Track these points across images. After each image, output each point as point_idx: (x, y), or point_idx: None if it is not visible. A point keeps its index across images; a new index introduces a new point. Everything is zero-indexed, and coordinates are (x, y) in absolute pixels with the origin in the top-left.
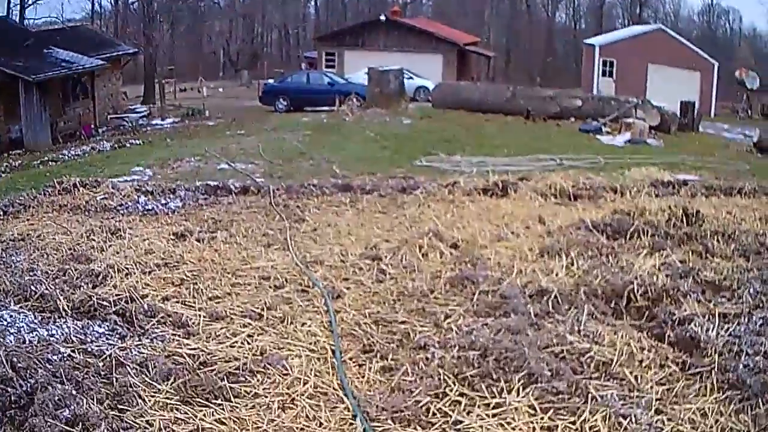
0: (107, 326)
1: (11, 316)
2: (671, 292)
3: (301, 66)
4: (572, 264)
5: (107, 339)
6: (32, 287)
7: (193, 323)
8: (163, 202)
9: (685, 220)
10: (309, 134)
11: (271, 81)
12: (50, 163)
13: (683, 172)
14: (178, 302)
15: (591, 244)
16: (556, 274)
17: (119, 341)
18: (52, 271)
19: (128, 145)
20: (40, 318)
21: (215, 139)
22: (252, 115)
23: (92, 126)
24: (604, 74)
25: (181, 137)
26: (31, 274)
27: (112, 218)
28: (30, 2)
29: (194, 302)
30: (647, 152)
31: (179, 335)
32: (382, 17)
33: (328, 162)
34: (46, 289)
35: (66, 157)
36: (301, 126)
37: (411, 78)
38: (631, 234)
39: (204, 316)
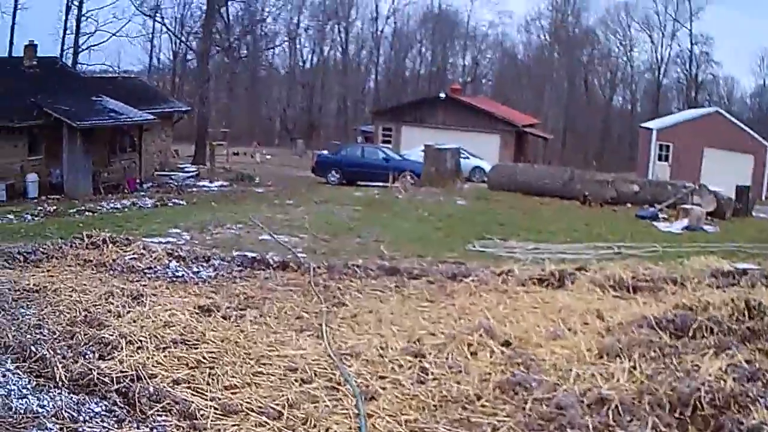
0: (105, 405)
1: (4, 376)
2: (739, 398)
3: (357, 139)
4: (635, 368)
5: (102, 421)
6: (33, 347)
7: (202, 415)
8: (195, 269)
9: (747, 314)
10: (359, 210)
11: (325, 152)
12: (86, 213)
13: (741, 260)
14: (189, 388)
15: (654, 344)
16: (617, 380)
17: (115, 425)
18: (60, 331)
19: (170, 204)
20: (34, 384)
21: (261, 207)
22: (303, 185)
23: (137, 180)
24: (660, 158)
25: (227, 202)
26: (36, 331)
27: (137, 281)
28: (84, 47)
29: (207, 390)
30: (704, 239)
31: (183, 428)
32: (442, 95)
33: (376, 241)
34: (48, 351)
35: (104, 209)
36: (352, 201)
37: (467, 157)
38: (694, 331)
39: (216, 408)
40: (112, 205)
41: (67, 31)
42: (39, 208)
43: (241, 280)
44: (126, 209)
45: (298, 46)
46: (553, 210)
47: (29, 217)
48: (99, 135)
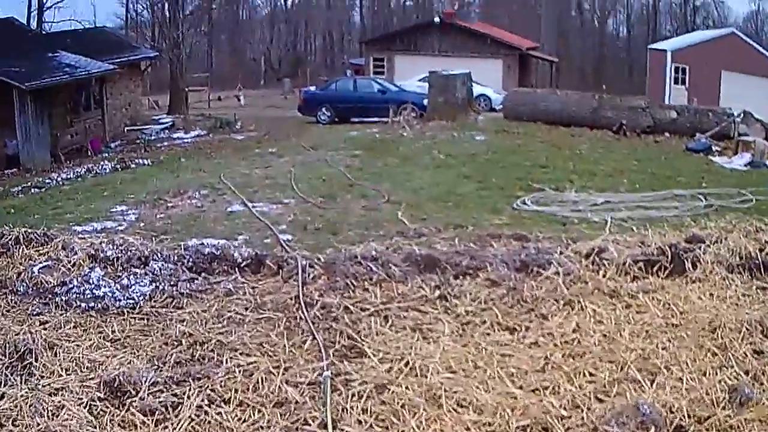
0: None
1: None
2: None
3: (347, 73)
4: None
5: None
6: None
7: None
8: (125, 282)
9: None
10: (358, 155)
11: (312, 88)
12: (33, 189)
13: None
14: None
15: None
16: None
17: None
18: None
19: (133, 165)
20: None
21: (238, 160)
22: (289, 128)
23: (102, 140)
24: (676, 81)
25: (199, 156)
26: None
27: (35, 316)
28: (48, 4)
29: None
30: None
31: None
32: (437, 19)
33: (388, 202)
34: None
35: (53, 181)
36: (348, 143)
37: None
38: None
39: None
40: (65, 175)
41: None
42: None
43: (189, 300)
44: (79, 179)
45: None
46: (589, 143)
47: None
48: (56, 95)
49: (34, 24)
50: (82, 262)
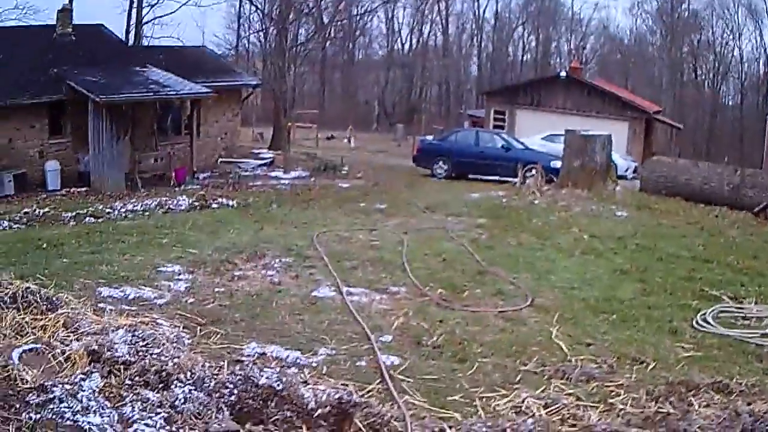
0: None
1: None
2: None
3: (464, 124)
4: None
5: None
6: None
7: None
8: (127, 413)
9: None
10: (483, 225)
11: (429, 137)
12: (87, 218)
13: None
14: None
15: None
16: None
17: None
18: None
19: (214, 205)
20: None
21: (339, 216)
22: (401, 180)
23: (188, 170)
24: None
25: (293, 203)
26: None
27: None
28: (148, 20)
29: None
30: None
31: None
32: (563, 73)
33: (534, 308)
34: None
35: (116, 211)
36: (471, 207)
37: None
38: None
39: None
40: (132, 205)
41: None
42: (27, 210)
43: None
44: (145, 213)
45: (396, 26)
46: (740, 229)
47: None
48: (139, 113)
49: (132, 40)
50: (79, 359)
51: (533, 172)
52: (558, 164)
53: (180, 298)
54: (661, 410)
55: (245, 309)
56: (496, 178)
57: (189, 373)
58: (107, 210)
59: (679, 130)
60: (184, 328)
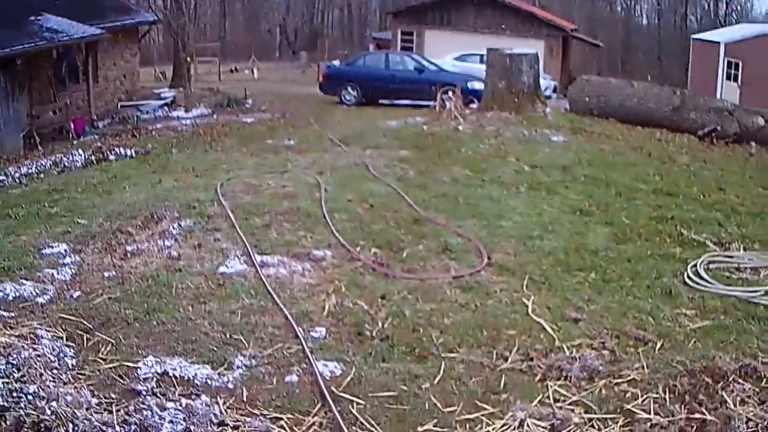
0: None
1: None
2: None
3: (369, 48)
4: None
5: None
6: None
7: None
8: None
9: None
10: (407, 158)
11: (335, 63)
12: None
13: None
14: None
15: None
16: None
17: None
18: None
19: (112, 156)
20: None
21: (245, 157)
22: (308, 110)
23: (87, 119)
24: (728, 77)
25: (195, 146)
26: None
27: None
28: None
29: None
30: None
31: None
32: None
33: (494, 267)
34: None
35: (10, 178)
36: (390, 137)
37: None
38: None
39: None
40: (27, 168)
41: None
42: None
43: None
44: (39, 176)
45: None
46: (689, 154)
47: None
48: (35, 66)
49: None
50: None
51: (450, 94)
52: (477, 85)
53: (64, 292)
54: (693, 416)
55: (139, 301)
56: (410, 102)
57: (71, 426)
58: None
59: (598, 47)
60: (68, 339)
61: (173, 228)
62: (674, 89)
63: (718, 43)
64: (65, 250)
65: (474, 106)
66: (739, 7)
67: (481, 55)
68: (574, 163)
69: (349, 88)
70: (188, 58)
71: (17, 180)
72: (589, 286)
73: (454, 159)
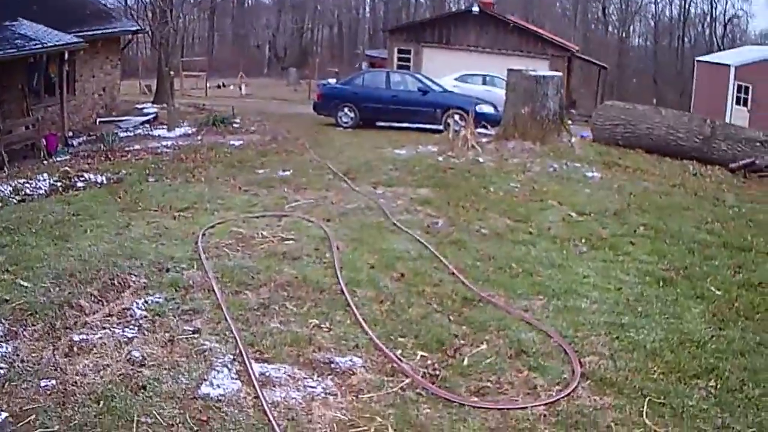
0: None
1: None
2: None
3: (361, 66)
4: None
5: None
6: None
7: None
8: None
9: None
10: (429, 199)
11: (331, 81)
12: None
13: None
14: None
15: None
16: None
17: None
18: None
19: (80, 183)
20: None
21: (233, 191)
22: (303, 131)
23: (59, 136)
24: (737, 102)
25: (177, 173)
26: None
27: None
28: None
29: None
30: None
31: None
32: (475, 8)
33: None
34: None
35: None
36: (402, 168)
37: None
38: None
39: None
40: None
41: None
42: None
43: None
44: None
45: None
46: (735, 193)
47: None
48: (5, 76)
49: None
50: None
51: (457, 118)
52: (485, 109)
53: None
54: None
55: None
56: (414, 125)
57: None
58: None
59: (605, 69)
60: None
61: (137, 306)
62: (704, 117)
63: (728, 65)
64: None
65: (483, 131)
66: (734, 29)
67: (484, 76)
68: (624, 208)
69: (347, 110)
70: (172, 72)
71: None
72: (715, 402)
73: (485, 201)
